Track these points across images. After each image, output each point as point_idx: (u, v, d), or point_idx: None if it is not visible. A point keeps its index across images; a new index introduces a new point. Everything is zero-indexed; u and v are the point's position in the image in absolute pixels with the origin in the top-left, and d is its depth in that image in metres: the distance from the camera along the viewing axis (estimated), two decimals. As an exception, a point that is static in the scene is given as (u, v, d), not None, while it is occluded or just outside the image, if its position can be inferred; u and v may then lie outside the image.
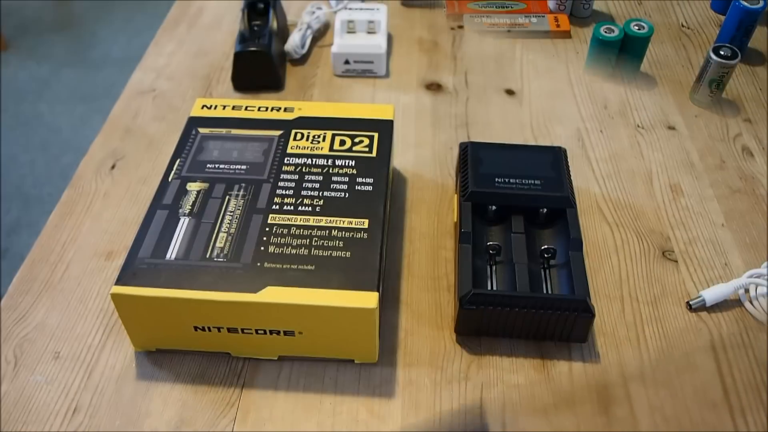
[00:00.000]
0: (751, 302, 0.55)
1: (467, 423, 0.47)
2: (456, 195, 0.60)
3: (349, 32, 0.79)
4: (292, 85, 0.77)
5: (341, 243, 0.49)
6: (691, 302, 0.55)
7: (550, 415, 0.48)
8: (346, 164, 0.56)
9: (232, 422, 0.47)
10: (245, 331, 0.48)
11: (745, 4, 0.75)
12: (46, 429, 0.47)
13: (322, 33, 0.85)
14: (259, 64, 0.74)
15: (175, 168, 0.56)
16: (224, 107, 0.62)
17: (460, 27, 0.87)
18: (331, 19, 0.86)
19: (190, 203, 0.52)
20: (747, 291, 0.56)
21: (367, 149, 0.57)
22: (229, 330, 0.48)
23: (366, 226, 0.51)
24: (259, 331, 0.48)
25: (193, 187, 0.54)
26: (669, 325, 0.54)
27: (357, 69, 0.78)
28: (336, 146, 0.57)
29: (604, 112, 0.74)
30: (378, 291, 0.47)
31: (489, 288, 0.53)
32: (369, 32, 0.80)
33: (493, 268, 0.54)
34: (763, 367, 0.51)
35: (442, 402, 0.49)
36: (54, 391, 0.49)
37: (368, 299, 0.46)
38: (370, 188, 0.54)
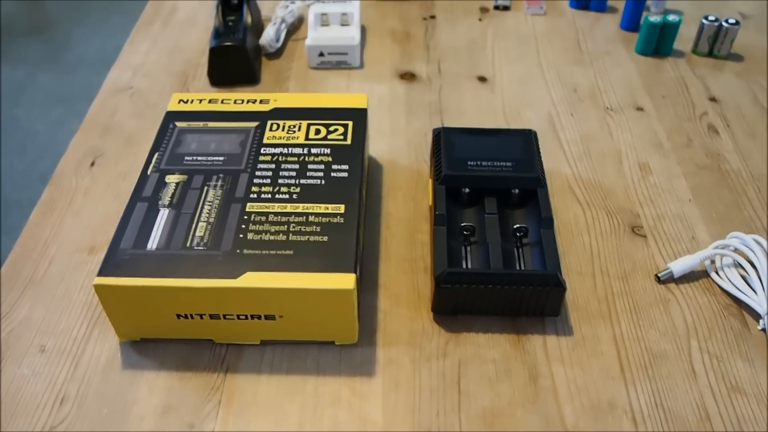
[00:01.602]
0: (717, 272, 0.57)
1: (446, 396, 0.49)
2: (430, 180, 0.61)
3: (322, 25, 0.81)
4: (267, 79, 0.78)
5: (318, 228, 0.51)
6: (659, 275, 0.57)
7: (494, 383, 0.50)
8: (322, 152, 0.57)
9: (217, 406, 0.49)
10: (227, 317, 0.49)
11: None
12: (35, 420, 0.48)
13: (296, 26, 0.86)
14: (235, 58, 0.75)
15: (153, 161, 0.57)
16: (201, 101, 0.63)
17: (432, 17, 0.88)
18: (305, 12, 0.87)
19: (170, 195, 0.53)
20: (713, 262, 0.57)
21: (342, 137, 0.58)
22: (211, 317, 0.49)
23: (342, 210, 0.52)
24: (241, 317, 0.49)
25: (172, 179, 0.55)
26: (639, 297, 0.56)
27: (331, 61, 0.79)
28: (311, 135, 0.59)
29: (574, 95, 0.76)
30: (355, 272, 0.48)
31: (464, 267, 0.54)
32: (342, 24, 0.81)
33: (468, 248, 0.56)
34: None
35: (422, 379, 0.50)
36: (41, 383, 0.50)
37: (346, 280, 0.47)
38: (345, 174, 0.55)
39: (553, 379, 0.50)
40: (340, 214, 0.52)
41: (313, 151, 0.57)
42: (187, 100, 0.63)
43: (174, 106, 0.62)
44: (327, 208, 0.52)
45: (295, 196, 0.53)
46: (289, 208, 0.52)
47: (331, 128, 0.59)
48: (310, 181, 0.54)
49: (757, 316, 0.54)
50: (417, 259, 0.58)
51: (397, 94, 0.76)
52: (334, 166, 0.56)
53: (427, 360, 0.51)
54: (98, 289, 0.48)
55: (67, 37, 2.32)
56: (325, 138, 0.58)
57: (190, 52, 0.83)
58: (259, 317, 0.49)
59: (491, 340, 0.52)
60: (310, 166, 0.56)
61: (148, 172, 0.56)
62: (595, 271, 0.58)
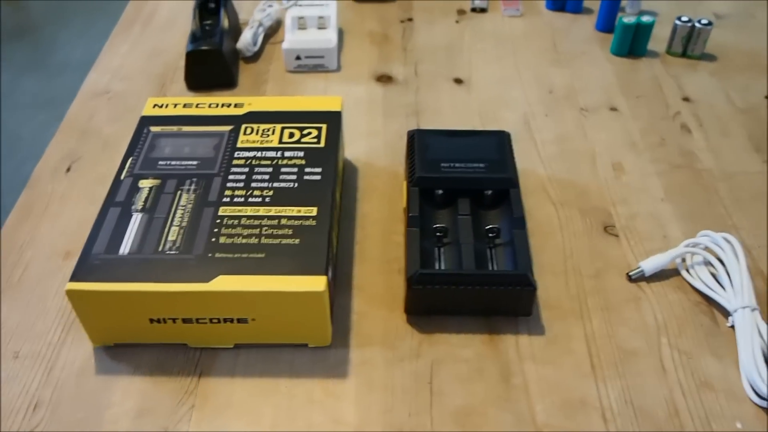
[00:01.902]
0: (687, 270, 0.58)
1: (418, 396, 0.49)
2: (405, 181, 0.61)
3: (300, 28, 0.81)
4: (245, 83, 0.78)
5: (290, 231, 0.51)
6: (630, 273, 0.57)
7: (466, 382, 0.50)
8: (295, 155, 0.57)
9: (191, 409, 0.49)
10: (200, 320, 0.50)
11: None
12: (8, 425, 0.48)
13: (274, 30, 0.87)
14: (212, 62, 0.75)
15: (127, 166, 0.57)
16: (175, 105, 0.63)
17: (410, 19, 0.89)
18: (283, 16, 0.87)
19: (143, 199, 0.54)
20: (684, 260, 0.58)
21: (315, 140, 0.59)
22: (184, 321, 0.50)
23: (314, 213, 0.52)
24: (214, 320, 0.50)
25: (146, 183, 0.55)
26: (610, 296, 0.56)
27: (309, 64, 0.79)
28: (285, 138, 0.59)
29: (549, 96, 0.76)
30: (326, 274, 0.48)
31: (437, 268, 0.55)
32: (320, 27, 0.81)
33: (441, 249, 0.56)
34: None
35: (395, 379, 0.50)
36: (15, 388, 0.50)
37: (317, 283, 0.48)
38: (318, 177, 0.55)
39: (525, 378, 0.51)
40: (312, 217, 0.52)
41: (287, 154, 0.57)
42: (162, 105, 0.63)
43: (149, 110, 0.62)
44: (299, 211, 0.52)
45: (267, 200, 0.53)
46: (261, 211, 0.53)
47: (305, 131, 0.59)
48: (282, 185, 0.55)
49: (726, 313, 0.55)
50: (392, 260, 0.59)
51: (374, 96, 0.76)
52: (307, 169, 0.56)
53: (401, 360, 0.52)
54: (70, 294, 0.48)
55: (51, 40, 2.31)
56: (298, 141, 0.59)
57: (168, 55, 0.83)
58: (232, 320, 0.50)
59: (464, 340, 0.53)
60: (283, 170, 0.56)
61: (122, 177, 0.56)
62: (567, 270, 0.58)
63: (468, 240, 0.55)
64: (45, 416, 0.49)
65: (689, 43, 0.81)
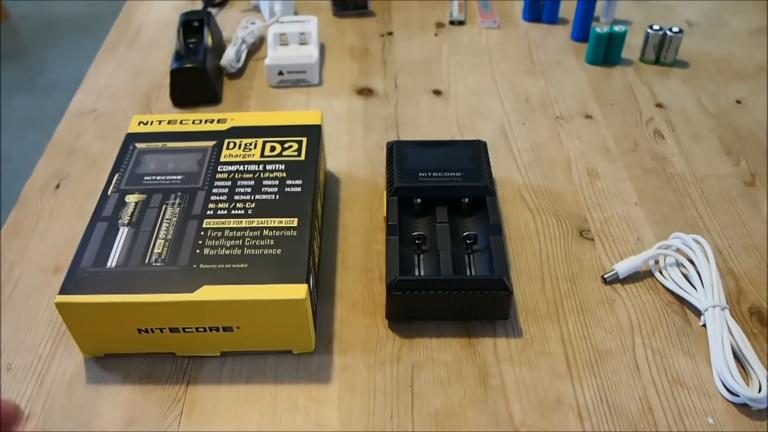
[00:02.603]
0: (660, 272, 0.59)
1: (399, 399, 0.51)
2: (385, 191, 0.63)
3: (282, 44, 0.83)
4: (229, 98, 0.80)
5: (272, 241, 0.52)
6: (605, 276, 0.59)
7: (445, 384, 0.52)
8: (277, 168, 0.59)
9: (179, 416, 0.50)
10: (186, 330, 0.51)
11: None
12: (1, 436, 0.49)
13: (257, 46, 0.89)
14: (196, 79, 0.77)
15: (113, 182, 0.58)
16: (160, 122, 0.65)
17: (390, 33, 0.91)
18: (265, 32, 0.89)
19: (129, 214, 0.55)
20: (657, 262, 0.60)
21: (296, 153, 0.61)
22: (171, 330, 0.51)
23: (295, 224, 0.54)
24: (200, 329, 0.51)
25: (132, 198, 0.57)
26: (586, 298, 0.58)
27: (291, 79, 0.81)
28: (267, 152, 0.61)
29: (526, 105, 0.78)
30: (307, 283, 0.50)
31: (416, 275, 0.56)
32: (301, 43, 0.83)
33: (420, 256, 0.58)
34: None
35: (376, 383, 0.52)
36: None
37: (298, 291, 0.49)
38: (299, 189, 0.57)
39: (503, 379, 0.52)
40: (293, 228, 0.54)
41: (268, 167, 0.59)
42: (147, 122, 0.65)
43: (134, 128, 0.64)
44: (281, 222, 0.54)
45: (250, 211, 0.55)
46: (244, 222, 0.54)
47: (286, 145, 0.61)
48: (264, 197, 0.56)
49: (698, 312, 0.56)
50: (373, 268, 0.60)
51: (355, 109, 0.78)
52: (288, 181, 0.58)
53: (382, 365, 0.53)
54: (60, 306, 0.50)
55: (41, 61, 2.33)
56: (280, 154, 0.60)
57: (153, 74, 0.85)
58: (218, 329, 0.51)
59: (443, 344, 0.54)
60: (265, 182, 0.58)
61: (109, 193, 0.57)
62: (544, 274, 0.60)
63: (446, 247, 0.57)
64: (37, 427, 0.50)
65: (661, 51, 0.83)
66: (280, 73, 0.81)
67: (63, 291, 0.50)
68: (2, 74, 2.26)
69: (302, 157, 0.60)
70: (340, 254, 0.62)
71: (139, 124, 0.65)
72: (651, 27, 0.82)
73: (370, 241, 0.63)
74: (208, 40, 0.81)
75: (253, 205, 0.56)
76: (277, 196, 0.56)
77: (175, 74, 0.77)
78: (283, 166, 0.59)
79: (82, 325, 0.51)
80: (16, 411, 0.46)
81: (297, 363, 0.53)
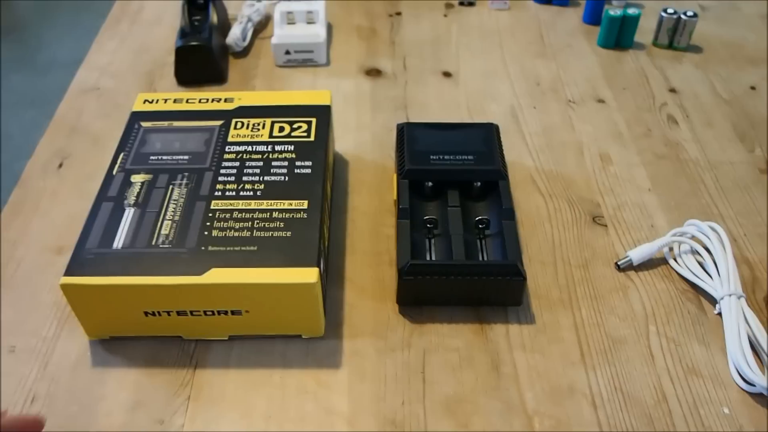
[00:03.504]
0: (674, 259, 0.58)
1: (410, 385, 0.50)
2: (395, 174, 0.62)
3: (288, 23, 0.81)
4: (234, 78, 0.79)
5: (282, 224, 0.51)
6: (619, 262, 0.58)
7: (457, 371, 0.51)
8: (285, 149, 0.58)
9: (187, 401, 0.49)
10: (194, 313, 0.50)
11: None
12: (5, 419, 0.48)
13: (263, 25, 0.87)
14: (201, 58, 0.76)
15: (119, 161, 0.57)
16: (165, 101, 0.63)
17: (398, 13, 0.89)
18: (271, 11, 0.88)
19: (135, 194, 0.54)
20: (671, 249, 0.59)
21: (305, 134, 0.59)
22: (178, 313, 0.50)
23: (305, 206, 0.53)
24: (208, 313, 0.50)
25: (137, 178, 0.55)
26: (599, 284, 0.57)
27: (298, 59, 0.80)
28: (275, 133, 0.59)
29: (536, 88, 0.77)
30: (318, 266, 0.49)
31: (427, 259, 0.55)
32: (308, 22, 0.82)
33: (432, 240, 0.57)
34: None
35: (387, 369, 0.51)
36: (11, 383, 0.51)
37: (309, 274, 0.48)
38: (308, 171, 0.56)
39: (515, 366, 0.51)
40: (303, 210, 0.52)
41: (277, 148, 0.58)
42: (153, 100, 0.63)
43: (139, 106, 0.63)
44: (290, 204, 0.53)
45: (259, 193, 0.54)
46: (253, 204, 0.53)
47: (295, 125, 0.60)
48: (273, 178, 0.55)
49: (713, 301, 0.55)
50: (382, 252, 0.59)
51: (362, 90, 0.77)
52: (298, 163, 0.56)
53: (392, 350, 0.52)
54: (65, 288, 0.48)
55: (38, 38, 2.30)
56: (288, 135, 0.59)
57: (156, 51, 0.83)
58: (226, 313, 0.50)
59: (454, 330, 0.54)
60: (273, 163, 0.56)
61: (114, 172, 0.56)
62: (556, 260, 0.59)
63: (458, 231, 0.56)
64: (41, 410, 0.49)
65: (675, 35, 0.82)
66: (287, 53, 0.79)
67: (68, 272, 0.49)
68: (0, 51, 2.24)
69: (311, 138, 0.59)
70: (348, 238, 0.61)
71: (144, 102, 0.63)
72: (665, 10, 0.81)
73: (379, 225, 0.62)
74: (214, 17, 0.80)
75: (262, 186, 0.54)
76: (287, 178, 0.55)
77: (180, 52, 0.75)
78: (292, 147, 0.58)
79: (88, 307, 0.50)
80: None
81: (306, 348, 0.52)
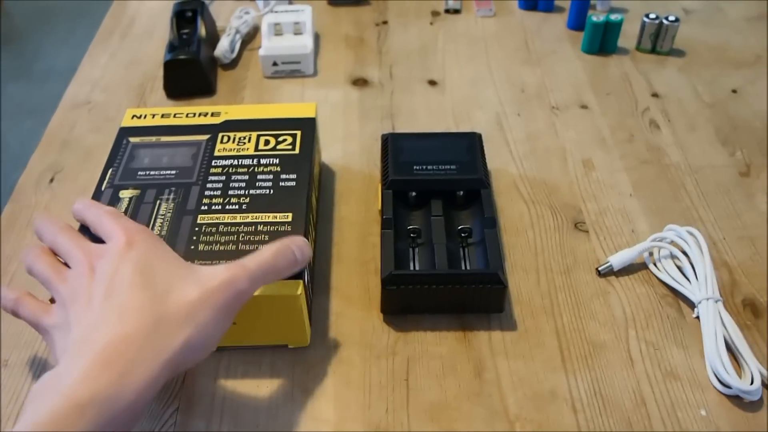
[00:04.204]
0: (654, 264, 0.59)
1: (394, 392, 0.51)
2: (380, 184, 0.63)
3: (276, 34, 0.82)
4: (223, 89, 0.80)
5: (267, 237, 0.52)
6: (599, 268, 0.59)
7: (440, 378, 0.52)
8: (271, 162, 0.59)
9: (176, 412, 0.50)
10: (182, 325, 0.51)
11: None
12: (-1, 432, 0.50)
13: (251, 36, 0.88)
14: (189, 71, 0.77)
15: (107, 177, 0.58)
16: (153, 116, 0.64)
17: (385, 22, 0.90)
18: (259, 22, 0.89)
19: (123, 210, 0.55)
20: (651, 254, 0.60)
21: (290, 147, 0.60)
22: (166, 326, 0.51)
23: (290, 219, 0.54)
24: (195, 325, 0.51)
25: (126, 194, 0.56)
26: (580, 291, 0.58)
27: (285, 70, 0.81)
28: (261, 146, 0.60)
29: (521, 95, 0.78)
30: (302, 279, 0.50)
31: (411, 269, 0.57)
32: (296, 33, 0.83)
33: (415, 250, 0.58)
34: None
35: (372, 376, 0.52)
36: (4, 397, 0.52)
37: (293, 287, 0.49)
38: (293, 183, 0.57)
39: (498, 372, 0.52)
40: (287, 223, 0.54)
41: (263, 161, 0.59)
42: (141, 116, 0.64)
43: (127, 122, 0.64)
44: (275, 217, 0.54)
45: (244, 206, 0.55)
46: (239, 218, 0.54)
47: (280, 138, 0.61)
48: (258, 191, 0.56)
49: (691, 305, 0.56)
50: (368, 261, 0.60)
51: (350, 99, 0.78)
52: (283, 176, 0.57)
53: (377, 358, 0.53)
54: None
55: (35, 47, 2.32)
56: (274, 148, 0.60)
57: (147, 64, 0.84)
58: (213, 325, 0.51)
59: (438, 338, 0.55)
60: (259, 177, 0.57)
61: (102, 188, 0.57)
62: (539, 267, 0.60)
63: (441, 240, 0.57)
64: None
65: (658, 40, 0.83)
66: (275, 64, 0.80)
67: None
68: (-3, 61, 2.25)
69: (296, 151, 0.60)
70: (335, 247, 0.62)
71: (132, 117, 0.64)
72: (647, 16, 0.82)
73: (366, 234, 0.63)
74: (202, 30, 0.81)
75: (248, 199, 0.56)
76: (272, 191, 0.56)
77: (168, 66, 0.76)
78: (277, 160, 0.59)
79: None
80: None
81: (293, 357, 0.54)
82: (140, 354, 0.40)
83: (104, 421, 0.37)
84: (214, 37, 0.84)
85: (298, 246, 0.49)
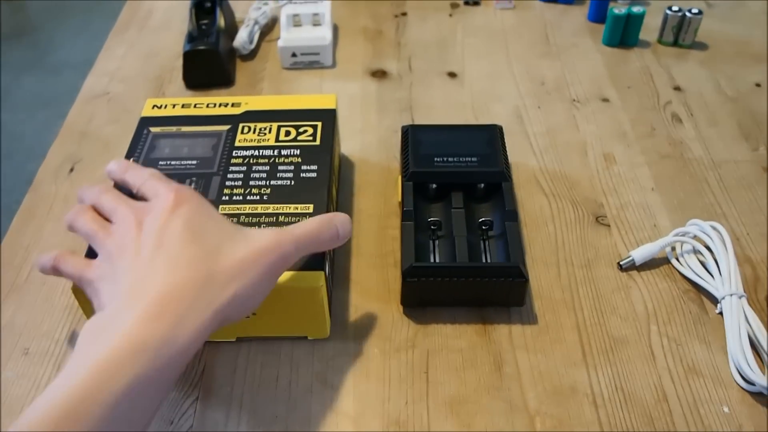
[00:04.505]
0: (677, 259, 0.59)
1: (414, 385, 0.51)
2: (400, 176, 0.63)
3: (295, 26, 0.82)
4: (242, 81, 0.80)
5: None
6: (621, 262, 0.59)
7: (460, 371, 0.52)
8: (292, 153, 0.59)
9: (195, 402, 0.50)
10: (202, 316, 0.51)
11: None
12: (19, 420, 0.50)
13: (269, 27, 0.88)
14: (208, 62, 0.77)
15: (127, 167, 0.58)
16: (174, 106, 0.64)
17: (404, 14, 0.90)
18: (278, 13, 0.88)
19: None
20: (673, 249, 0.59)
21: (311, 138, 0.60)
22: (186, 316, 0.51)
23: (311, 210, 0.54)
24: (215, 315, 0.51)
25: (146, 183, 0.56)
26: (601, 285, 0.58)
27: (304, 61, 0.81)
28: (282, 137, 0.60)
29: (541, 88, 0.78)
30: (323, 270, 0.50)
31: (432, 261, 0.56)
32: (314, 24, 0.82)
33: (436, 242, 0.58)
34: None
35: (391, 369, 0.52)
36: (25, 385, 0.52)
37: (315, 279, 0.49)
38: (314, 175, 0.57)
39: (518, 366, 0.52)
40: (308, 214, 0.53)
41: (283, 152, 0.59)
42: (161, 106, 0.64)
43: (148, 111, 0.64)
44: (296, 208, 0.54)
45: (265, 197, 0.55)
46: (260, 209, 0.54)
47: (301, 129, 0.61)
48: (279, 182, 0.56)
49: (714, 300, 0.56)
50: (387, 254, 0.60)
51: (368, 92, 0.78)
52: (304, 167, 0.57)
53: (397, 351, 0.53)
54: (76, 292, 0.50)
55: (50, 39, 2.33)
56: (294, 139, 0.60)
57: (165, 56, 0.84)
58: (233, 315, 0.51)
59: (458, 331, 0.54)
60: (280, 168, 0.57)
61: (122, 178, 0.57)
62: (559, 261, 0.60)
63: (461, 233, 0.57)
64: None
65: (680, 33, 0.82)
66: (294, 55, 0.80)
67: (79, 277, 0.50)
68: (12, 53, 2.26)
69: (317, 142, 0.60)
70: (354, 239, 0.61)
71: (153, 107, 0.64)
72: (670, 8, 0.81)
73: (385, 227, 0.62)
74: (221, 21, 0.81)
75: (269, 191, 0.55)
76: (293, 182, 0.56)
77: (187, 56, 0.76)
78: (298, 151, 0.59)
79: (99, 311, 0.51)
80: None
81: (312, 349, 0.53)
82: (193, 303, 0.41)
83: (159, 364, 0.39)
84: (232, 28, 0.84)
85: (341, 221, 0.50)
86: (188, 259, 0.43)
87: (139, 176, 0.51)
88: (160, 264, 0.43)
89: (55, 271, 0.49)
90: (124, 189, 0.52)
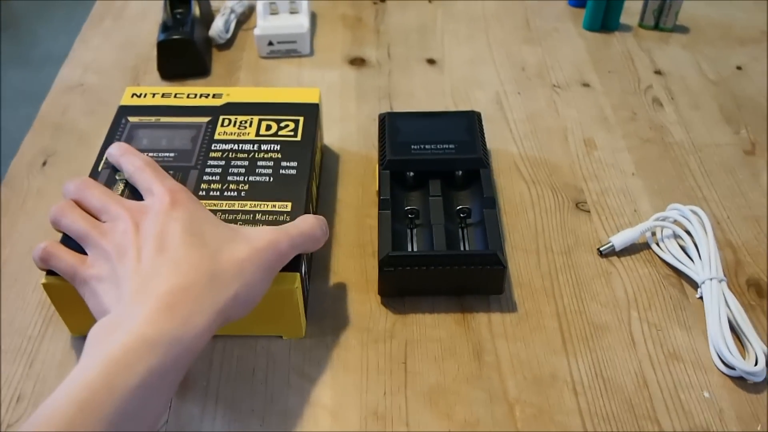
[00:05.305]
0: (657, 244, 0.58)
1: (392, 376, 0.50)
2: (378, 165, 0.62)
3: (272, 14, 0.81)
4: (218, 70, 0.79)
5: (264, 226, 0.51)
6: (601, 249, 0.58)
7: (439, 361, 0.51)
8: (272, 149, 0.57)
9: (171, 397, 0.50)
10: (176, 310, 0.50)
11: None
12: (-8, 419, 0.49)
13: (246, 16, 0.87)
14: (183, 51, 0.75)
15: (104, 158, 0.57)
16: (154, 95, 0.63)
17: (383, 1, 0.89)
18: (255, 1, 0.87)
19: (119, 192, 0.54)
20: (654, 234, 0.59)
21: (292, 133, 0.59)
22: (160, 310, 0.50)
23: (289, 209, 0.53)
24: (190, 310, 0.50)
25: (123, 175, 0.55)
26: (581, 271, 0.57)
27: (281, 50, 0.79)
28: (262, 131, 0.59)
29: (522, 74, 0.77)
30: (300, 272, 0.49)
31: (409, 250, 0.56)
32: (292, 12, 0.81)
33: (413, 231, 0.57)
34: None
35: (369, 360, 0.51)
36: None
37: (290, 280, 0.48)
38: (293, 172, 0.56)
39: (497, 355, 0.52)
40: (286, 212, 0.52)
41: (263, 147, 0.58)
42: (141, 94, 0.63)
43: (127, 100, 0.63)
44: (274, 206, 0.53)
45: (243, 194, 0.54)
46: (237, 205, 0.53)
47: (282, 124, 0.60)
48: (258, 179, 0.55)
49: (695, 285, 0.55)
50: (366, 243, 0.59)
51: (347, 80, 0.77)
52: (283, 163, 0.56)
53: (375, 342, 0.53)
54: (47, 288, 0.49)
55: (32, 34, 2.30)
56: (275, 134, 0.59)
57: (141, 46, 0.83)
58: (208, 310, 0.50)
59: (437, 320, 0.54)
60: (259, 163, 0.56)
61: (99, 168, 0.56)
62: (539, 248, 0.59)
63: (439, 221, 0.56)
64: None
65: (661, 16, 0.81)
66: (270, 44, 0.79)
67: (50, 272, 0.49)
68: (-6, 46, 2.23)
69: (298, 138, 0.58)
70: (333, 229, 0.61)
71: (132, 96, 0.63)
72: (650, -9, 0.80)
73: (364, 216, 0.62)
74: (196, 10, 0.79)
75: (247, 187, 0.54)
76: (272, 179, 0.55)
77: (161, 46, 0.75)
78: (278, 147, 0.58)
79: (71, 306, 0.50)
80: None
81: (289, 341, 0.53)
82: (199, 302, 0.42)
83: (170, 360, 0.40)
84: (208, 17, 0.83)
85: (324, 224, 0.52)
86: (193, 262, 0.44)
87: (133, 163, 0.52)
88: (164, 266, 0.44)
89: (44, 263, 0.49)
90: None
